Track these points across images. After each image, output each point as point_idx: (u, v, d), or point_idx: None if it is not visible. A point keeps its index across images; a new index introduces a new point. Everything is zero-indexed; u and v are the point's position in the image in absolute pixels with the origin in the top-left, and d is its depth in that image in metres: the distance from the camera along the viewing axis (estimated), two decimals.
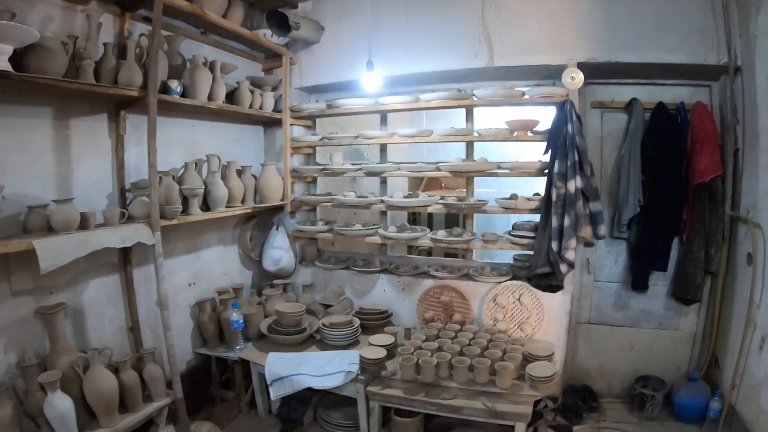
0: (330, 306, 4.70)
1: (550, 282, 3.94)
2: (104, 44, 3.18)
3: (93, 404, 2.97)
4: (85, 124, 3.32)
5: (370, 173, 4.72)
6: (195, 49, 4.04)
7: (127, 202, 3.56)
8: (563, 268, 3.74)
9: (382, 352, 3.72)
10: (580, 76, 3.84)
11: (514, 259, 4.40)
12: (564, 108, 3.84)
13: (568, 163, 3.73)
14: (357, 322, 4.26)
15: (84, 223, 3.01)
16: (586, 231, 3.78)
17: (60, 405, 2.71)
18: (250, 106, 4.46)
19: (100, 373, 2.98)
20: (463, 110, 4.68)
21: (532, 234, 4.07)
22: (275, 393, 3.82)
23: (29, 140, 2.98)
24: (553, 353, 3.72)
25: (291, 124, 4.98)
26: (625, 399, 4.43)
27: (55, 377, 2.73)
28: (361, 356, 3.69)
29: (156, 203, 3.34)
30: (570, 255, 3.71)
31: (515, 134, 4.14)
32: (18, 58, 2.61)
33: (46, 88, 2.78)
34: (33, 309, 3.01)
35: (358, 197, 4.72)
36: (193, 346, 4.40)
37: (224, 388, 4.50)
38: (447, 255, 5.29)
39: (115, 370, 3.14)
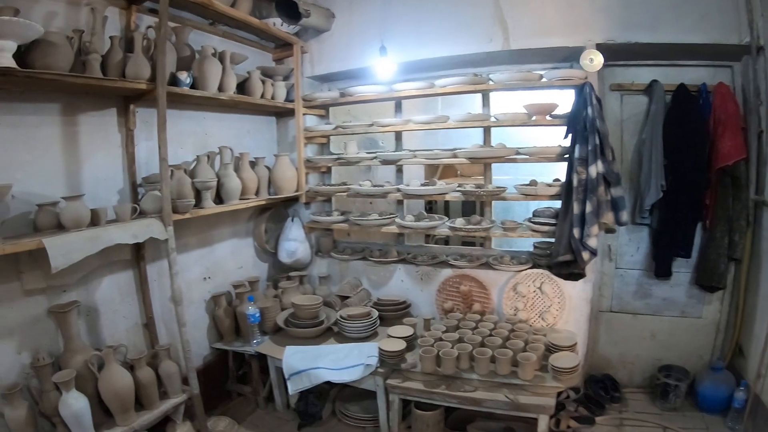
0: (347, 297, 4.63)
1: (571, 270, 3.84)
2: (111, 38, 3.12)
3: (108, 403, 2.96)
4: (94, 120, 3.28)
5: (386, 162, 4.64)
6: (203, 41, 3.97)
7: (139, 197, 3.51)
8: (585, 255, 3.65)
9: (401, 344, 3.67)
10: (599, 58, 3.72)
11: (535, 247, 4.30)
12: (583, 91, 3.73)
13: (589, 148, 3.63)
14: (375, 313, 4.21)
15: (95, 220, 2.98)
16: (608, 217, 3.69)
17: (75, 404, 2.70)
18: (262, 96, 4.39)
19: (115, 372, 2.96)
20: (479, 96, 4.58)
21: (552, 221, 3.97)
22: (293, 387, 3.78)
23: (37, 137, 2.95)
24: (576, 343, 3.65)
25: (304, 114, 4.91)
26: (647, 389, 4.36)
27: (69, 376, 2.72)
28: (380, 349, 3.65)
29: (168, 197, 3.29)
30: (592, 242, 3.62)
31: (533, 119, 4.02)
32: (23, 54, 2.57)
33: (52, 83, 2.74)
34: (46, 308, 2.99)
35: (374, 186, 4.65)
36: (210, 340, 4.37)
37: (241, 383, 4.47)
38: (464, 243, 5.22)
39: (131, 367, 3.13)
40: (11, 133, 2.80)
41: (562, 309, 4.07)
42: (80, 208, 2.86)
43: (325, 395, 4.13)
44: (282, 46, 5.01)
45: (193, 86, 3.63)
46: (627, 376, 4.47)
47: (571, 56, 4.06)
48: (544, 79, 3.99)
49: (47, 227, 2.82)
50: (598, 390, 4.15)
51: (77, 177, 3.20)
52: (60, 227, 2.84)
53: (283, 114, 5.12)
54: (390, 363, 3.63)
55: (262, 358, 4.15)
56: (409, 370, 3.59)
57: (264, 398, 4.32)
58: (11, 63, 2.40)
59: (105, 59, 3.05)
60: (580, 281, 3.96)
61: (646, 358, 4.41)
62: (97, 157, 3.31)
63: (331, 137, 5.33)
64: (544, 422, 3.18)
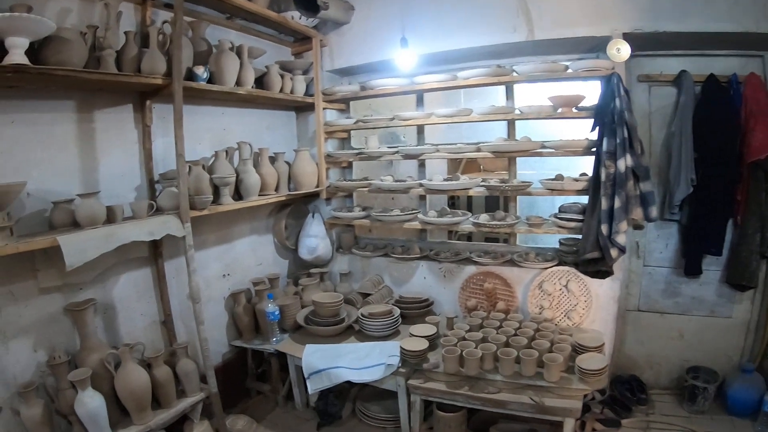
0: (368, 295, 4.56)
1: (598, 267, 3.73)
2: (125, 33, 3.08)
3: (125, 401, 2.94)
4: (110, 116, 3.26)
5: (408, 156, 4.57)
6: (220, 35, 3.89)
7: (156, 194, 3.48)
8: (614, 252, 3.54)
9: (423, 344, 3.59)
10: (626, 48, 3.60)
11: (561, 244, 4.20)
12: (611, 82, 3.61)
13: (617, 141, 3.51)
14: (397, 311, 4.13)
15: (110, 217, 2.96)
16: (637, 213, 3.58)
17: (91, 403, 2.69)
18: (281, 91, 4.32)
19: (131, 370, 2.93)
20: (502, 88, 4.48)
21: (579, 217, 3.86)
22: (313, 387, 3.71)
23: (53, 135, 2.94)
24: (603, 344, 3.53)
25: (324, 108, 4.85)
26: (674, 390, 4.23)
27: (85, 375, 2.70)
28: (401, 348, 3.57)
29: (185, 194, 3.24)
30: (621, 239, 3.50)
31: (559, 111, 3.91)
32: (36, 51, 2.55)
33: (66, 80, 2.70)
34: (62, 306, 2.98)
35: (396, 181, 4.58)
36: (228, 338, 4.34)
37: (260, 381, 4.44)
38: (487, 240, 5.12)
39: (148, 365, 3.09)
40: (27, 131, 2.79)
41: (588, 308, 3.95)
42: (95, 205, 2.84)
43: (345, 394, 4.08)
44: (301, 40, 4.93)
45: (210, 81, 3.57)
46: (653, 377, 4.35)
47: (597, 46, 3.93)
48: (569, 70, 3.88)
49: (62, 225, 2.80)
50: (624, 391, 4.03)
51: (93, 174, 3.17)
52: (75, 225, 2.82)
53: (302, 108, 5.06)
54: (412, 363, 3.55)
55: (281, 356, 4.10)
56: (431, 371, 3.51)
57: (283, 396, 4.28)
58: (24, 60, 2.38)
59: (120, 55, 3.01)
60: (608, 279, 3.85)
61: (673, 358, 4.28)
62: (113, 153, 3.29)
63: (352, 132, 5.28)
64: (570, 426, 3.09)
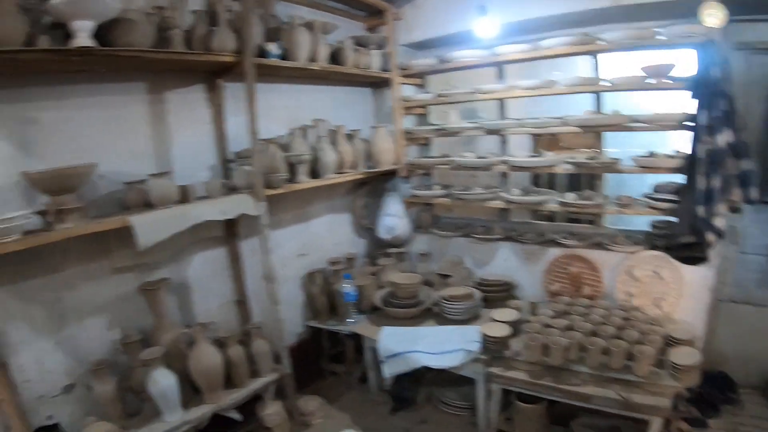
0: (447, 276, 4.42)
1: (693, 253, 3.45)
2: (193, 11, 3.06)
3: (197, 380, 2.98)
4: (180, 96, 3.28)
5: (490, 131, 4.36)
6: (290, 12, 3.80)
7: (230, 174, 3.48)
8: (710, 237, 3.26)
9: (505, 329, 3.44)
10: (723, 12, 3.26)
11: (652, 226, 3.90)
12: (708, 49, 3.30)
13: (716, 114, 3.20)
14: (478, 294, 4.00)
15: (183, 197, 3.00)
16: (736, 194, 3.27)
17: (163, 381, 2.74)
18: (356, 67, 4.21)
19: (204, 349, 2.97)
20: (583, 60, 4.19)
21: (673, 197, 3.56)
22: (389, 370, 3.65)
23: (124, 117, 3.00)
24: (696, 337, 3.28)
25: (400, 84, 4.71)
26: (766, 390, 3.87)
27: (158, 354, 2.76)
28: (483, 333, 3.43)
29: (259, 172, 3.23)
30: (719, 222, 3.22)
31: (651, 82, 3.62)
32: (103, 34, 2.54)
33: (134, 61, 2.73)
34: (135, 285, 3.04)
35: (478, 158, 4.39)
36: (303, 318, 4.32)
37: (334, 362, 4.41)
38: (570, 221, 4.86)
39: (221, 345, 3.10)
40: (100, 114, 2.86)
41: (679, 296, 3.67)
42: (168, 185, 2.88)
43: (420, 378, 3.98)
44: (374, 14, 4.78)
45: (282, 58, 3.50)
46: (744, 375, 3.98)
47: (689, 11, 3.54)
48: (661, 37, 3.57)
49: (135, 205, 2.85)
50: (713, 389, 3.73)
51: (166, 155, 3.21)
52: (148, 205, 2.84)
53: (377, 84, 4.94)
54: (492, 349, 3.40)
55: (356, 337, 4.05)
56: (512, 359, 3.36)
57: (357, 379, 4.24)
58: (90, 42, 2.39)
59: (188, 34, 2.99)
60: (701, 266, 3.56)
61: (767, 355, 3.93)
62: (185, 134, 3.31)
63: (430, 107, 5.11)
64: (656, 425, 2.87)
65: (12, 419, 2.41)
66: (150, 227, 2.62)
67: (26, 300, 2.67)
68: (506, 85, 4.29)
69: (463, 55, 4.36)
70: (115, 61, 2.64)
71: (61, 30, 2.41)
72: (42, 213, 2.47)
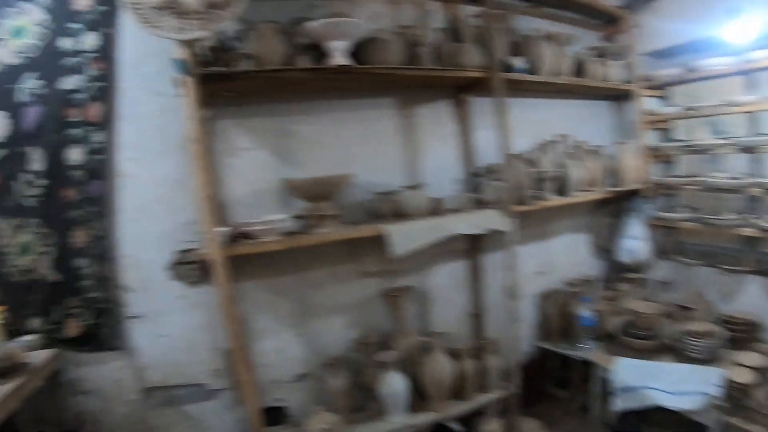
0: (687, 309, 4.07)
1: None
2: (437, 29, 3.21)
3: (427, 387, 3.07)
4: (427, 111, 3.44)
5: (746, 149, 3.91)
6: (526, 25, 3.80)
7: (475, 188, 3.56)
8: None
9: (750, 376, 3.08)
10: None
11: None
12: None
13: None
14: (722, 332, 3.61)
15: (434, 209, 3.11)
16: None
17: (395, 384, 2.91)
18: (598, 79, 4.07)
19: (439, 359, 3.07)
20: None
21: None
22: (622, 404, 3.41)
23: (375, 130, 3.23)
24: None
25: (643, 96, 4.45)
26: None
27: (394, 358, 2.95)
28: (726, 378, 3.11)
29: (510, 188, 3.28)
30: None
31: None
32: (354, 53, 2.74)
33: (386, 77, 2.90)
34: (378, 290, 3.23)
35: (731, 179, 3.97)
36: (533, 338, 4.24)
37: (558, 387, 4.27)
38: None
39: (455, 356, 3.17)
40: (352, 128, 3.13)
41: None
42: (420, 197, 3.05)
43: (645, 418, 3.70)
44: (609, 22, 4.56)
45: (527, 72, 3.50)
46: None
47: None
48: None
49: (385, 215, 3.02)
50: None
51: (414, 167, 3.39)
52: (397, 215, 3.00)
53: (617, 97, 4.67)
54: (734, 396, 3.06)
55: (585, 364, 3.87)
56: (756, 410, 2.98)
57: (579, 406, 4.06)
58: (346, 61, 2.60)
59: (435, 51, 3.11)
60: None
61: None
62: (432, 147, 3.47)
63: (674, 121, 4.70)
64: None
65: (247, 396, 2.64)
66: (404, 237, 2.77)
67: (276, 293, 3.01)
68: (762, 96, 3.81)
69: (712, 63, 3.96)
70: (368, 78, 2.82)
71: (315, 50, 2.63)
72: (299, 217, 2.73)
